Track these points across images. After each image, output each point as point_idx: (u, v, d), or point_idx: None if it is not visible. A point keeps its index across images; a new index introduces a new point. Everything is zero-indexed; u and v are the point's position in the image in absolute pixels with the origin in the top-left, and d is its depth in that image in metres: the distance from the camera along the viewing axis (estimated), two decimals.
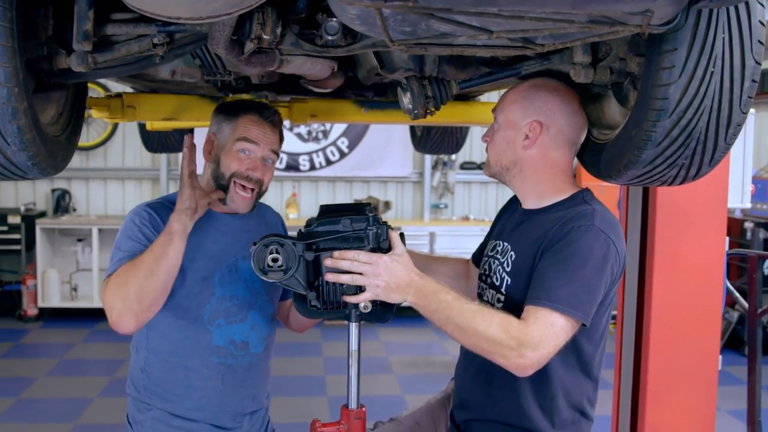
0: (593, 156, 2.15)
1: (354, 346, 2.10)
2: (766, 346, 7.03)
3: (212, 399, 2.33)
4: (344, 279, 1.99)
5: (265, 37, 1.78)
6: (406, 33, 1.60)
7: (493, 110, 2.23)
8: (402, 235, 2.08)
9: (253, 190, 2.31)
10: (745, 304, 4.02)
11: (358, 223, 2.03)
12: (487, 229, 2.52)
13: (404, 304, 2.02)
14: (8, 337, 7.90)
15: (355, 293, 2.01)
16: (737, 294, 4.14)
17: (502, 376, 2.08)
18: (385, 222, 2.07)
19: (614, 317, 2.85)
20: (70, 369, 6.91)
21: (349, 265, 1.98)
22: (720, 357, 3.24)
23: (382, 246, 2.03)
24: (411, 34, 1.61)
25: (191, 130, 4.79)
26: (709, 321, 3.17)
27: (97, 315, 8.54)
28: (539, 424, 2.12)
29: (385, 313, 2.09)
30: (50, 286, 8.46)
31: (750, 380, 3.93)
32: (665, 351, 3.13)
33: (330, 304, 2.06)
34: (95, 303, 8.49)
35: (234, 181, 2.29)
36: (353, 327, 2.10)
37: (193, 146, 2.22)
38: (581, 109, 2.15)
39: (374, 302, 2.04)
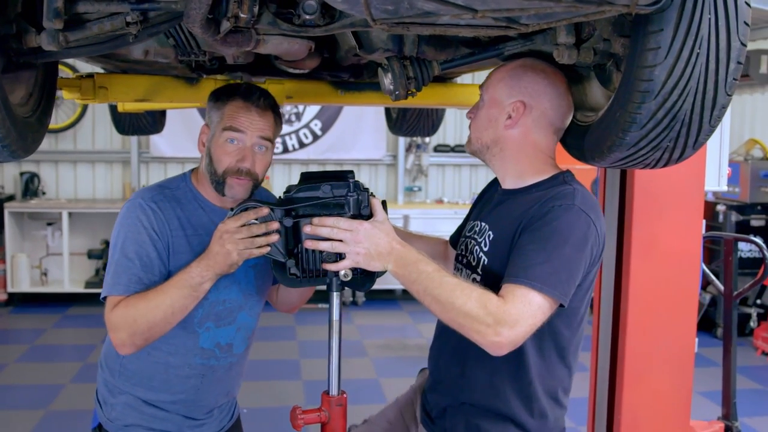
0: (576, 138, 2.12)
1: (335, 316, 2.07)
2: (740, 328, 7.16)
3: (189, 395, 2.30)
4: (324, 246, 1.95)
5: (242, 15, 1.74)
6: (389, 12, 1.57)
7: (480, 87, 2.20)
8: (384, 203, 2.04)
9: (247, 181, 2.20)
10: (721, 287, 4.04)
11: (338, 190, 1.99)
12: (461, 211, 2.50)
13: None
14: None
15: (335, 261, 1.97)
16: (713, 276, 4.16)
17: (477, 357, 2.05)
18: (367, 188, 2.02)
19: (591, 300, 2.84)
20: (41, 355, 6.82)
21: (328, 232, 1.94)
22: (696, 339, 3.25)
23: (363, 213, 1.99)
24: (393, 12, 1.57)
25: (163, 113, 4.73)
26: (685, 303, 3.17)
27: (67, 300, 8.46)
28: (515, 409, 2.10)
29: (366, 281, 2.05)
30: (20, 270, 8.35)
31: (725, 362, 3.96)
32: (642, 333, 3.13)
33: (309, 272, 2.02)
34: (66, 288, 8.39)
35: (227, 177, 2.18)
36: (334, 297, 2.06)
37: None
38: (568, 93, 2.12)
39: (355, 270, 2.00)
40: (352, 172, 2.05)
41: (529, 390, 2.09)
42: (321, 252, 1.98)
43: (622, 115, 1.76)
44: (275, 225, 1.99)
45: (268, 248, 2.02)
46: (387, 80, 2.03)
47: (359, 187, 2.00)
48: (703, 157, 3.12)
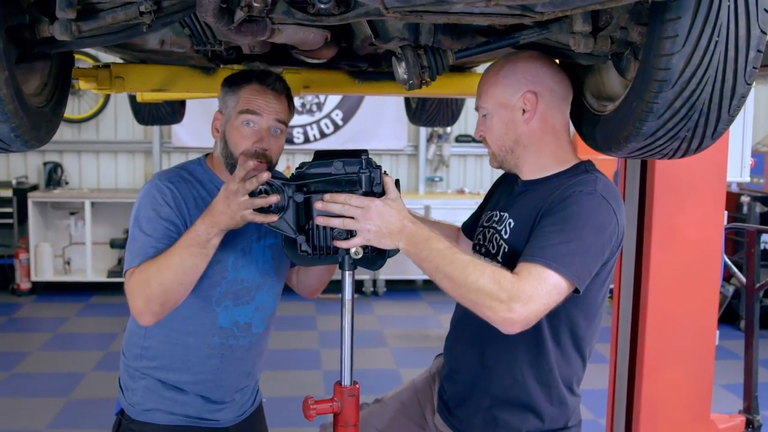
0: (593, 128, 2.10)
1: (347, 295, 2.03)
2: (763, 320, 7.08)
3: (209, 375, 2.31)
4: (334, 223, 1.94)
5: (255, 4, 1.72)
6: (402, 0, 1.55)
7: (477, 104, 2.20)
8: (397, 182, 2.03)
9: (261, 162, 2.21)
10: (743, 279, 4.00)
11: (350, 166, 1.97)
12: None
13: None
14: (1, 311, 7.90)
15: (346, 238, 1.95)
16: (734, 268, 4.12)
17: (497, 345, 2.06)
18: (380, 166, 2.00)
19: (611, 291, 2.82)
20: (64, 343, 6.90)
21: (340, 209, 1.92)
22: (717, 332, 3.21)
23: (376, 190, 1.97)
24: (406, 1, 1.55)
25: (183, 102, 4.74)
26: (706, 295, 3.14)
27: (90, 289, 8.54)
28: (535, 398, 2.10)
29: (377, 259, 2.03)
30: (43, 259, 8.44)
31: (747, 355, 3.92)
32: (662, 325, 3.10)
33: (320, 249, 2.00)
34: (89, 277, 8.47)
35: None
36: (346, 276, 2.03)
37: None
38: (558, 65, 2.14)
39: (366, 248, 1.98)
40: (366, 151, 2.02)
41: (549, 377, 2.09)
42: (332, 229, 1.96)
43: (639, 105, 1.74)
44: (274, 198, 1.98)
45: (273, 216, 2.00)
46: (401, 69, 2.01)
47: (371, 165, 1.98)
48: (725, 147, 3.08)
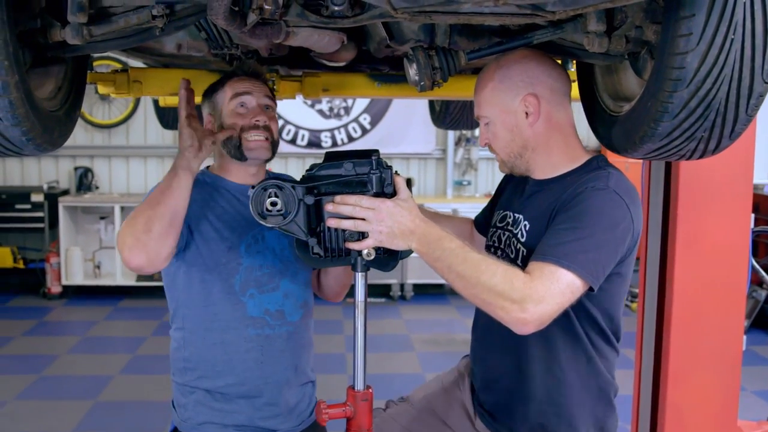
0: (608, 128, 2.07)
1: (360, 297, 2.03)
2: None
3: (254, 372, 2.31)
4: (346, 224, 1.93)
5: (266, 7, 1.72)
6: (410, 0, 1.54)
7: (476, 113, 2.19)
8: (409, 181, 2.02)
9: (265, 138, 2.32)
10: None
11: (361, 167, 1.96)
12: None
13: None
14: (32, 315, 7.98)
15: (358, 240, 1.94)
16: (763, 272, 4.05)
17: (532, 348, 2.06)
18: (390, 166, 1.99)
19: (635, 295, 2.78)
20: (92, 346, 6.95)
21: (351, 211, 1.91)
22: (745, 337, 3.16)
23: (387, 191, 1.96)
24: (414, 1, 1.54)
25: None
26: (733, 299, 3.09)
27: (120, 292, 8.62)
28: (578, 393, 2.10)
29: (389, 260, 2.03)
30: (73, 263, 8.53)
31: None
32: (687, 330, 3.06)
33: (332, 251, 2.00)
34: (118, 281, 8.56)
35: (243, 136, 2.30)
36: (359, 277, 2.03)
37: (189, 90, 2.22)
38: (553, 60, 2.12)
39: (378, 250, 1.97)
40: (377, 151, 2.01)
41: (590, 366, 2.10)
42: (344, 231, 1.95)
43: (654, 105, 1.71)
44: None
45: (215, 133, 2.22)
46: (412, 71, 2.00)
47: (382, 165, 1.97)
48: (752, 148, 3.03)
